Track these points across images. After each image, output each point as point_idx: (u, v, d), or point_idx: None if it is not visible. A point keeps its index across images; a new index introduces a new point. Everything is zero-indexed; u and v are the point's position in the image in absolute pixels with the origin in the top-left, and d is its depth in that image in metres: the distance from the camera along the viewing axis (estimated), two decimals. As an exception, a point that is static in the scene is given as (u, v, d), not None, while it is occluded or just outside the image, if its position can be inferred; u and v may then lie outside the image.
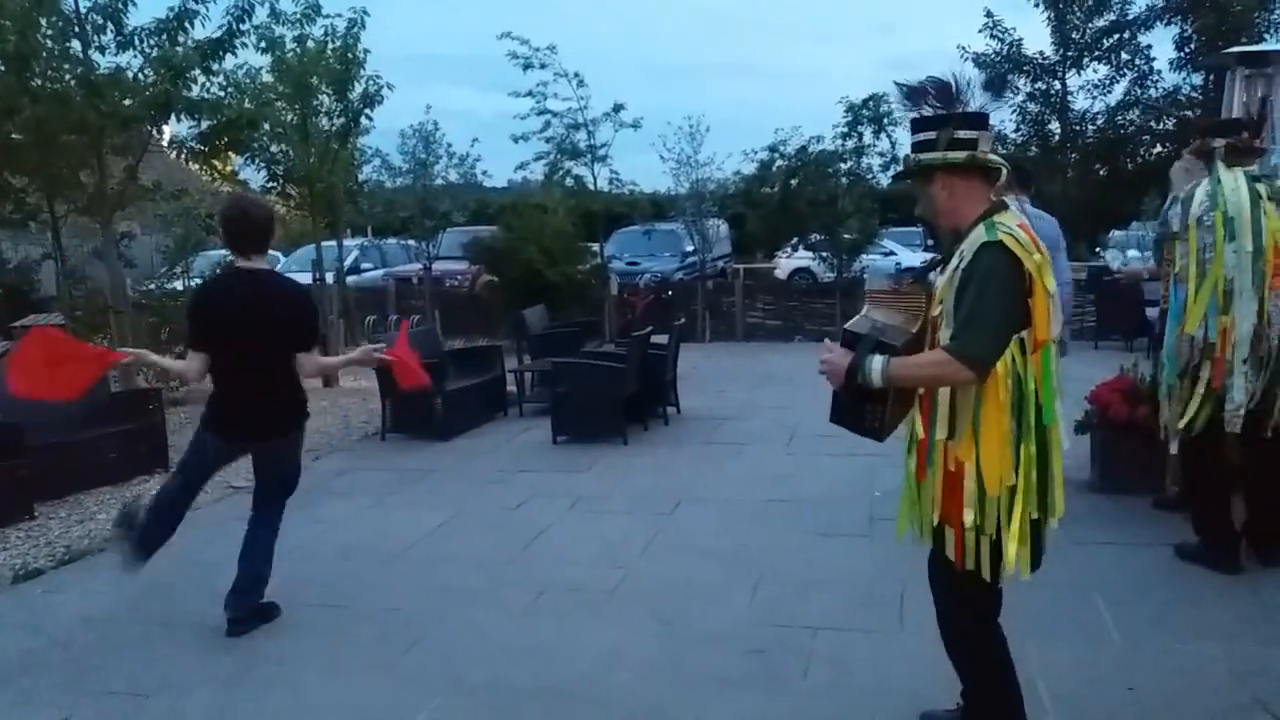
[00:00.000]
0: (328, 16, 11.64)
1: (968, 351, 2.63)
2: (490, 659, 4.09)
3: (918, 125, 2.88)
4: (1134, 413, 5.85)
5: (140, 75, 8.75)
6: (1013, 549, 2.75)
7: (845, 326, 2.93)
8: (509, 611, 4.60)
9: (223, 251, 13.13)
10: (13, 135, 8.44)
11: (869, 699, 3.60)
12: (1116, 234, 23.08)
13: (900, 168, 3.16)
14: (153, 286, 11.62)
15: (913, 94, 2.88)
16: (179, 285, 11.67)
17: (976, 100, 2.83)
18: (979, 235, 2.71)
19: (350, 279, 16.85)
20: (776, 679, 3.80)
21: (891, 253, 10.44)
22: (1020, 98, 21.06)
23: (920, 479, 2.95)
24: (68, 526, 6.24)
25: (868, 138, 14.61)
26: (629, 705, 3.65)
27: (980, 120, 2.82)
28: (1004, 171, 2.84)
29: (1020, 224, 2.75)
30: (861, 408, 2.90)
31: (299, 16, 11.37)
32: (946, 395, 2.80)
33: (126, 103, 8.44)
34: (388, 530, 5.96)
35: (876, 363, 2.75)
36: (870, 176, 14.96)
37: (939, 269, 2.92)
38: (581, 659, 4.04)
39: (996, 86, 2.86)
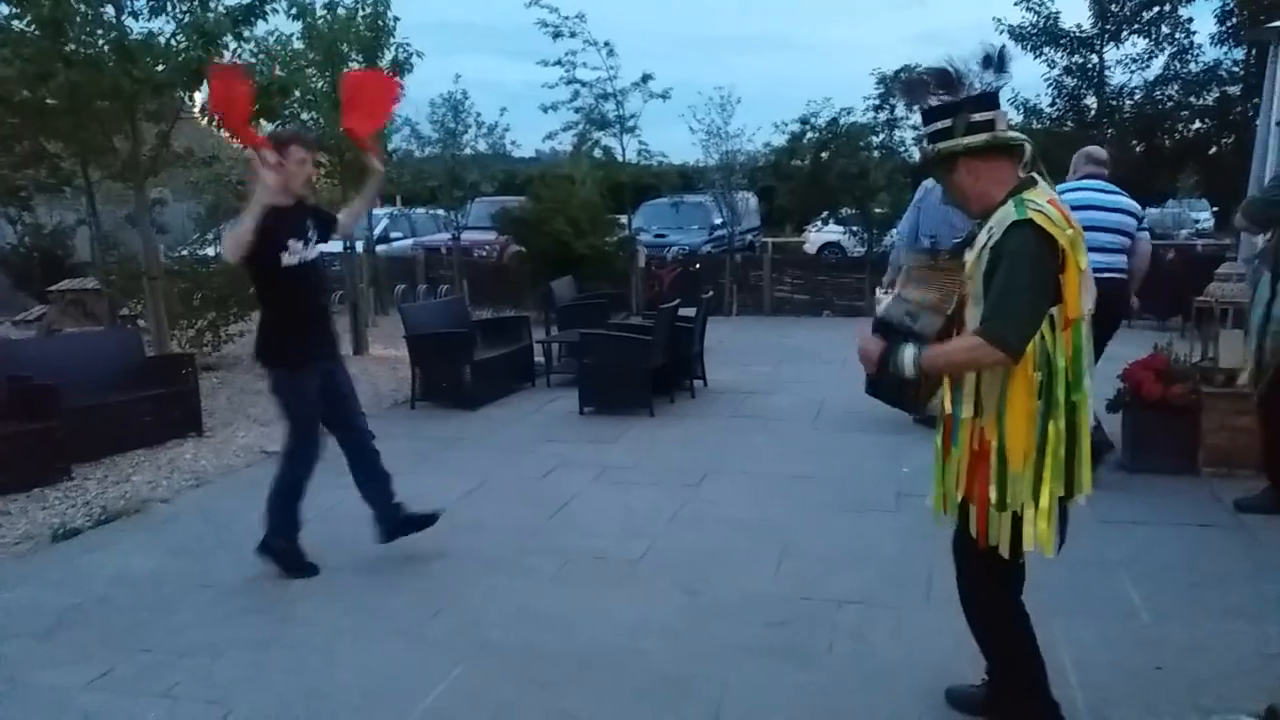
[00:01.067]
0: (358, -16, 11.63)
1: (1000, 334, 2.61)
2: (516, 625, 4.13)
3: (930, 115, 2.83)
4: (1167, 391, 5.80)
5: (173, 41, 8.78)
6: (1040, 526, 2.74)
7: (878, 314, 2.92)
8: (535, 579, 4.65)
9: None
10: (47, 100, 8.49)
11: (893, 673, 3.61)
12: (1153, 211, 22.75)
13: (918, 160, 3.14)
14: (185, 253, 11.74)
15: (911, 89, 2.85)
16: (210, 252, 11.75)
17: (980, 81, 2.77)
18: (1008, 213, 2.67)
19: (380, 248, 16.95)
20: (800, 651, 3.82)
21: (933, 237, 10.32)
22: (1057, 71, 20.73)
23: (946, 455, 2.94)
24: (104, 488, 6.34)
25: (900, 110, 14.47)
26: (653, 673, 3.68)
27: (993, 100, 2.78)
28: (1026, 147, 2.78)
29: (1051, 199, 2.70)
30: (899, 387, 2.89)
31: (330, -17, 11.37)
32: (974, 374, 2.78)
33: (159, 68, 8.47)
34: (416, 497, 5.97)
35: (909, 354, 2.75)
36: (903, 150, 14.85)
37: (970, 245, 2.89)
38: (606, 627, 4.08)
39: (997, 61, 2.80)
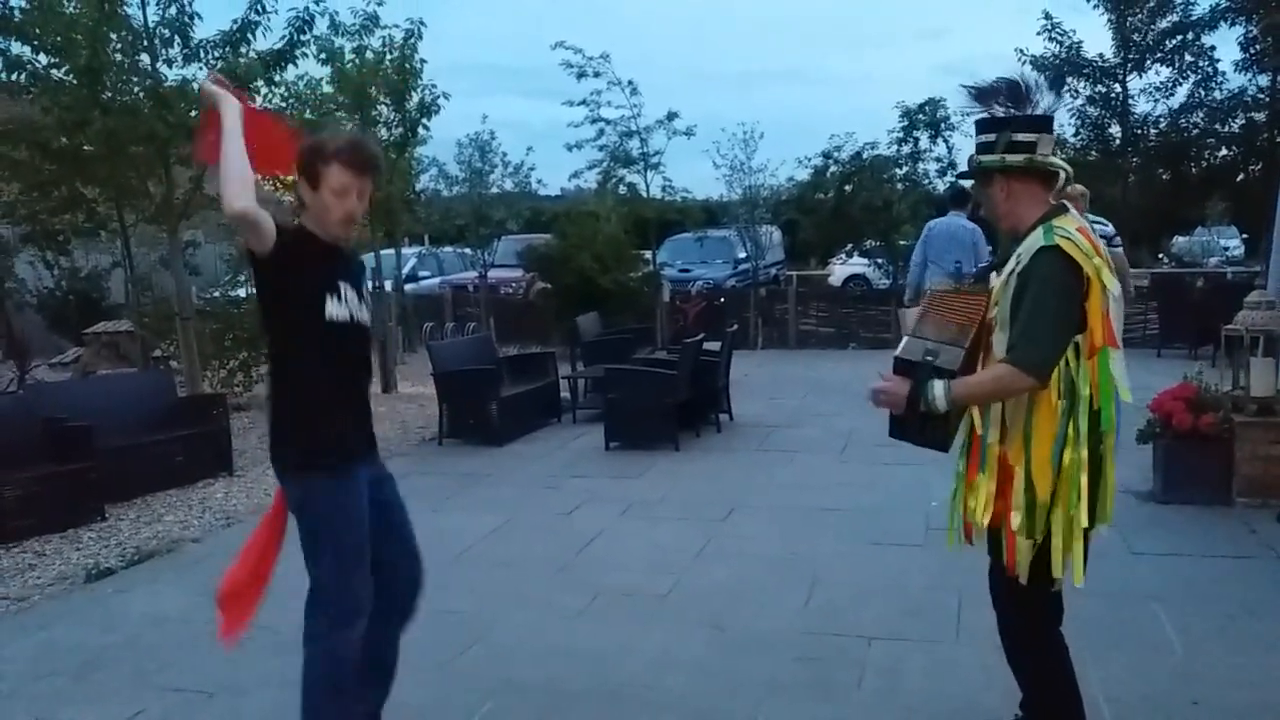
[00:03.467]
0: (385, 27, 11.85)
1: (1026, 361, 2.62)
2: (544, 661, 4.13)
3: (980, 127, 2.88)
4: (1198, 421, 5.74)
5: (206, 87, 8.98)
6: (1060, 556, 2.72)
7: (896, 354, 2.91)
8: (563, 614, 4.64)
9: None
10: (84, 147, 8.71)
11: (925, 709, 3.57)
12: (1180, 240, 22.59)
13: (959, 170, 3.18)
14: (216, 294, 11.92)
15: (982, 94, 2.87)
16: (241, 293, 11.94)
17: (1045, 100, 2.81)
18: (1036, 239, 2.69)
19: (408, 287, 17.13)
20: (830, 687, 3.79)
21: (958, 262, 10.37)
22: (1080, 101, 20.72)
23: (971, 479, 2.93)
24: (137, 528, 6.42)
25: (924, 143, 14.49)
26: (682, 709, 3.66)
27: (1041, 123, 2.80)
28: (1062, 175, 2.81)
29: (1080, 228, 2.72)
30: (924, 425, 2.88)
31: (358, 27, 11.59)
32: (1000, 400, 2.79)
33: (193, 114, 8.65)
34: (445, 533, 6.03)
35: (939, 389, 2.74)
36: (926, 182, 14.84)
37: (998, 270, 2.90)
38: (635, 662, 4.07)
39: (1057, 85, 2.86)
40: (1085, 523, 2.72)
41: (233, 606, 3.21)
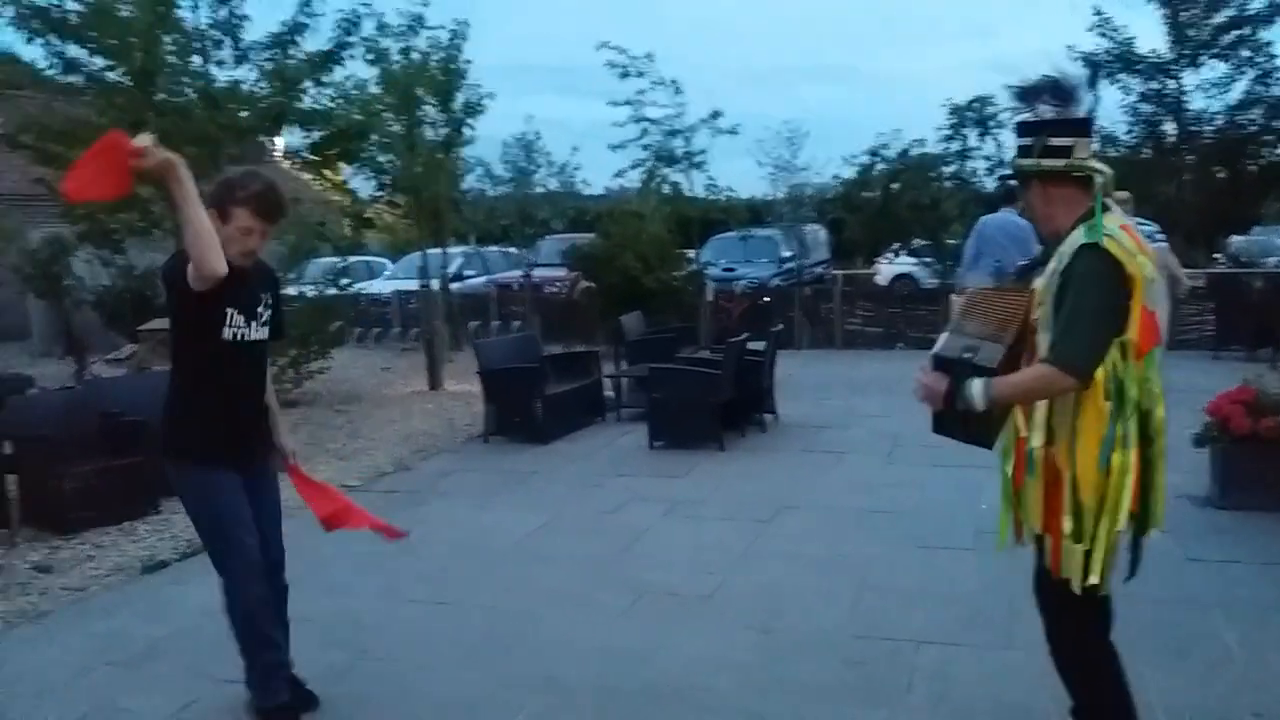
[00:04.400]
0: (431, 28, 11.98)
1: (1067, 360, 2.58)
2: (589, 660, 4.14)
3: (1019, 130, 2.86)
4: (1257, 425, 5.60)
5: (255, 88, 9.12)
6: (1095, 558, 2.67)
7: (934, 351, 2.88)
8: (607, 613, 4.65)
9: (334, 259, 13.65)
10: (140, 148, 8.88)
11: (974, 714, 3.52)
12: (1237, 239, 22.08)
13: (1007, 171, 3.14)
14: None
15: (1026, 94, 2.83)
16: (292, 291, 12.09)
17: (1085, 99, 2.77)
18: (1078, 237, 2.65)
19: (454, 286, 17.27)
20: (878, 691, 3.75)
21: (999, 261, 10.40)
22: (1133, 98, 20.33)
23: (1018, 484, 2.89)
24: (189, 521, 6.50)
25: (972, 140, 14.31)
26: (727, 711, 3.65)
27: (1077, 127, 2.75)
28: (1097, 179, 2.73)
29: (1124, 225, 2.67)
30: (966, 422, 2.84)
31: (404, 29, 11.74)
32: (1045, 401, 2.74)
33: (243, 114, 8.82)
34: (490, 530, 6.08)
35: (977, 387, 2.70)
36: (975, 180, 14.66)
37: (1040, 270, 2.86)
38: (679, 663, 4.06)
39: (1093, 83, 2.83)
40: (1121, 525, 2.66)
41: (343, 520, 3.89)
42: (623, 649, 4.23)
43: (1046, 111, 2.78)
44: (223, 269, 3.14)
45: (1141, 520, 2.74)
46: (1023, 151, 2.82)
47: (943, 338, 2.91)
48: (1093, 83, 2.84)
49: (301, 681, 3.80)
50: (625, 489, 6.91)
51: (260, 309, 3.60)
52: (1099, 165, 2.74)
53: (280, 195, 3.56)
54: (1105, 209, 2.72)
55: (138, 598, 5.15)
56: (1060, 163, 2.73)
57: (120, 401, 7.24)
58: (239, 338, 3.51)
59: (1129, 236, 2.64)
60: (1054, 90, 2.78)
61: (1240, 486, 5.70)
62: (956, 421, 2.85)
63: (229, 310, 3.46)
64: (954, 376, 2.75)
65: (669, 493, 6.75)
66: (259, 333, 3.61)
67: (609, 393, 9.86)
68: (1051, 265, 2.72)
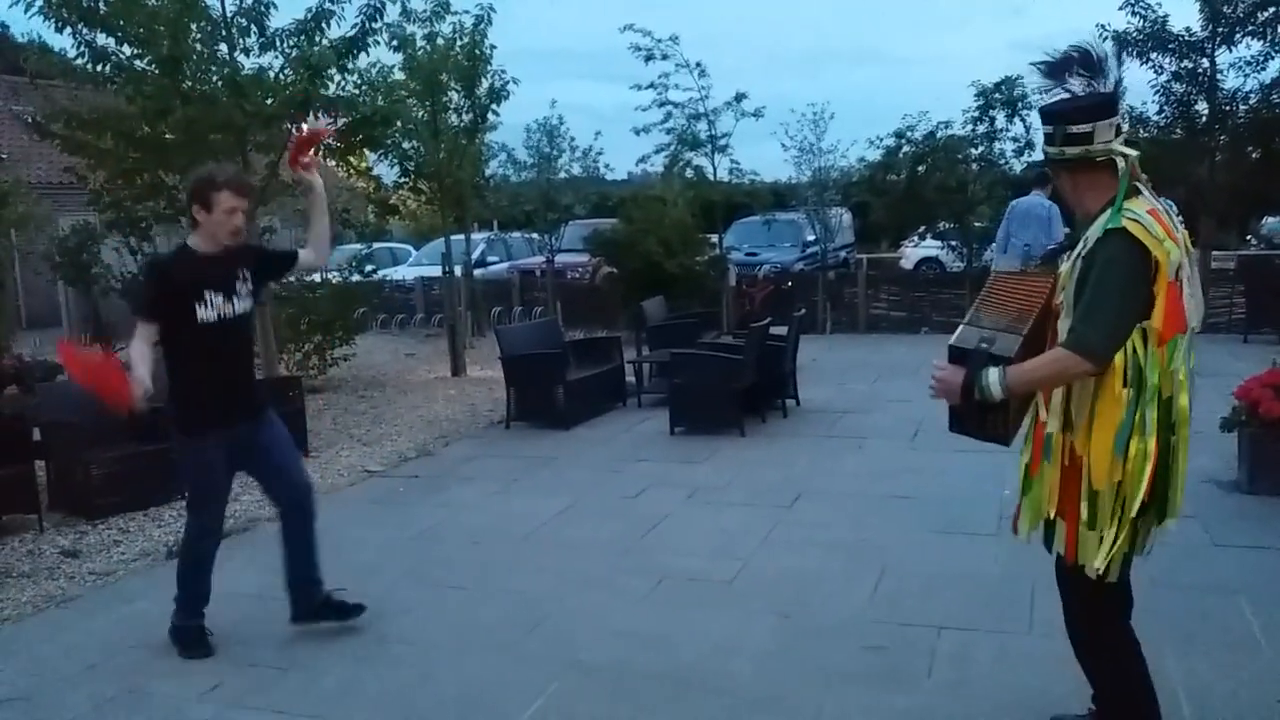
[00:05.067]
0: (456, 14, 11.94)
1: (1084, 344, 2.56)
2: (610, 643, 4.15)
3: (1041, 118, 2.83)
4: (1287, 410, 5.52)
5: (281, 75, 9.14)
6: (1107, 547, 2.64)
7: (951, 343, 2.85)
8: (629, 598, 4.66)
9: (358, 245, 13.71)
10: (166, 135, 8.94)
11: (995, 700, 3.50)
12: (1270, 220, 21.73)
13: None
14: (293, 279, 12.16)
15: (1054, 70, 2.78)
16: (317, 278, 12.17)
17: (1116, 73, 2.73)
18: (1103, 221, 2.62)
19: (477, 272, 17.32)
20: (899, 676, 3.74)
21: (1027, 245, 10.49)
22: (1165, 77, 20.01)
23: (1034, 471, 2.86)
24: (215, 506, 6.59)
25: (1000, 122, 14.11)
26: (747, 694, 3.65)
27: (1097, 110, 2.69)
28: (1119, 162, 2.67)
29: (1151, 209, 2.62)
30: (983, 417, 2.82)
31: (429, 14, 11.70)
32: (1063, 387, 2.71)
33: (269, 102, 8.82)
34: (512, 515, 6.11)
35: (994, 376, 2.67)
36: (1003, 162, 14.46)
37: (1068, 254, 2.82)
38: (700, 647, 4.07)
39: (1120, 58, 2.78)
40: (1133, 512, 2.63)
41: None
42: (644, 633, 4.25)
43: (1076, 85, 2.74)
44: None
45: (1158, 509, 2.70)
46: (1047, 139, 2.78)
47: (959, 329, 2.89)
48: (1119, 59, 2.79)
49: (343, 598, 4.40)
50: (646, 474, 6.91)
51: (238, 284, 4.08)
52: (1122, 148, 2.69)
53: (249, 178, 4.32)
54: (1135, 191, 2.68)
55: (164, 582, 5.17)
56: (1079, 150, 2.69)
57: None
58: (221, 316, 4.01)
59: (1155, 221, 2.59)
60: (1083, 62, 2.73)
61: (1269, 472, 5.63)
62: (973, 417, 2.83)
63: (206, 293, 3.96)
64: (970, 368, 2.73)
65: (690, 478, 6.75)
66: (242, 306, 4.11)
67: (630, 378, 9.86)
68: (1077, 249, 2.69)
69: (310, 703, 3.76)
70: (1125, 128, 2.80)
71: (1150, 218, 2.59)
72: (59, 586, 5.20)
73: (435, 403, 10.18)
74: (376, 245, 17.23)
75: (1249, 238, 20.20)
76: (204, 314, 3.97)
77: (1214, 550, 4.81)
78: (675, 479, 6.74)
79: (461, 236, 15.17)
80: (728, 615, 4.40)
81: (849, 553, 5.13)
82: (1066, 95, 2.75)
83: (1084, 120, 2.68)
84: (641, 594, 4.70)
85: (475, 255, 17.51)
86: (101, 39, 8.68)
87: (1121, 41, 18.72)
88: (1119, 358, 2.57)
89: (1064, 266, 2.77)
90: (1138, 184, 2.69)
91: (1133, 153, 2.69)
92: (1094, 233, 2.63)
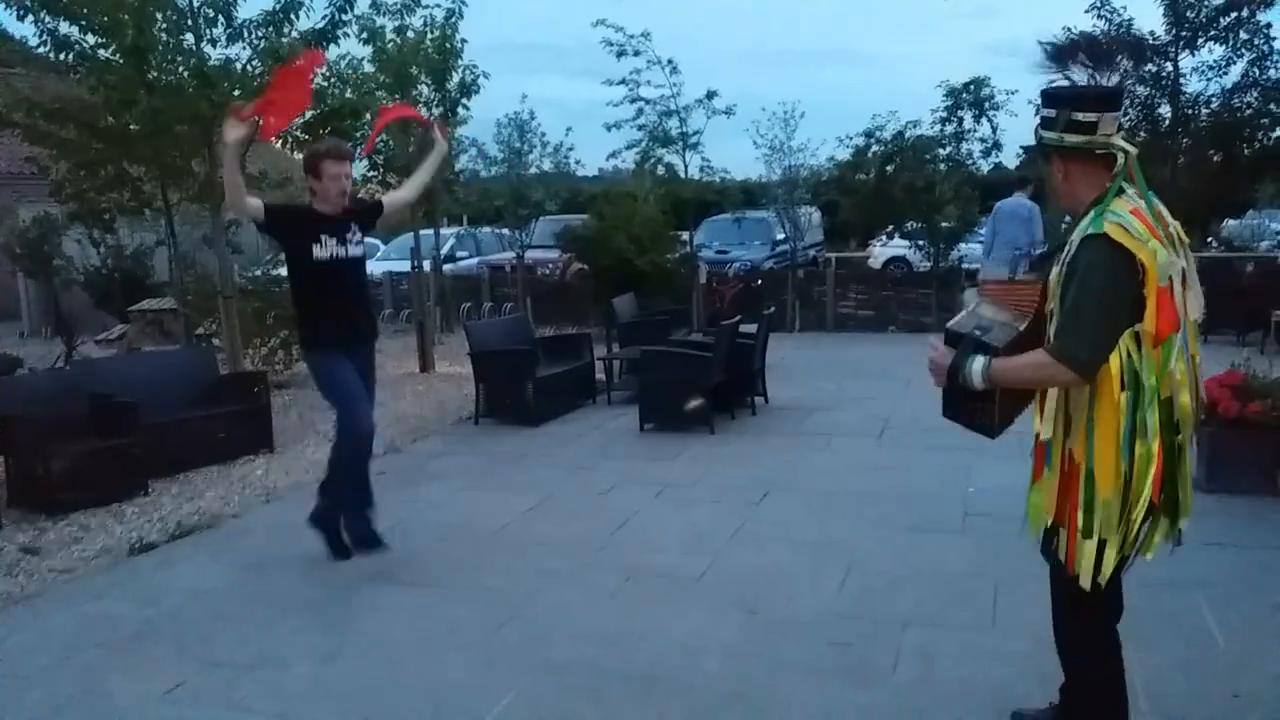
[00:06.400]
0: (426, 7, 11.88)
1: (1069, 353, 2.54)
2: (578, 640, 4.15)
3: (1045, 100, 2.75)
4: (1245, 409, 5.63)
5: (248, 66, 9.04)
6: (1109, 555, 2.65)
7: (948, 325, 2.87)
8: (597, 594, 4.66)
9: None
10: (130, 126, 8.81)
11: (958, 695, 3.54)
12: (1231, 223, 22.08)
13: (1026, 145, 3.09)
14: (258, 273, 12.07)
15: (1060, 53, 2.76)
16: (283, 272, 12.05)
17: (1124, 64, 2.71)
18: (1085, 225, 2.59)
19: (446, 267, 17.22)
20: (864, 671, 3.77)
21: (1017, 250, 11.00)
22: (1129, 80, 20.28)
23: (1036, 478, 2.85)
24: (179, 503, 6.52)
25: (968, 122, 14.23)
26: (715, 690, 3.67)
27: (1106, 101, 2.68)
28: (1118, 157, 2.67)
29: (1133, 209, 2.59)
30: (970, 404, 2.84)
31: (399, 7, 11.62)
32: (1058, 394, 2.71)
33: (236, 93, 8.73)
34: (480, 512, 6.08)
35: (977, 364, 2.69)
36: (970, 162, 14.59)
37: (1055, 259, 2.82)
38: (668, 644, 4.08)
39: (1138, 55, 2.77)
40: (1139, 518, 2.64)
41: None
42: (612, 630, 4.25)
43: (1078, 74, 2.71)
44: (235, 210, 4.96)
45: (1171, 510, 2.71)
46: (1046, 123, 2.71)
47: (960, 315, 2.91)
48: (1138, 55, 2.77)
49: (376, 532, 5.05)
50: (616, 471, 6.91)
51: (349, 235, 4.89)
52: (1124, 144, 2.67)
53: (346, 145, 5.60)
54: (1121, 191, 2.65)
55: (126, 579, 5.15)
56: (1082, 139, 2.65)
57: (110, 382, 7.23)
58: (334, 256, 4.83)
59: (1139, 221, 2.56)
60: (1089, 50, 2.71)
61: (1227, 470, 5.73)
62: (962, 404, 2.85)
63: (322, 236, 4.79)
64: (957, 353, 2.74)
65: (659, 475, 6.76)
66: (353, 251, 4.94)
67: (600, 375, 9.86)
68: (1063, 253, 2.67)
69: (276, 702, 3.73)
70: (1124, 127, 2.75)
71: (1133, 218, 2.56)
72: (18, 584, 5.11)
73: (403, 399, 10.12)
74: (344, 239, 17.07)
75: (1210, 240, 20.51)
76: (319, 253, 4.77)
77: (1171, 547, 4.87)
78: (645, 476, 6.75)
79: (430, 231, 15.07)
80: (696, 612, 4.41)
81: (816, 549, 5.16)
82: (1068, 83, 2.73)
83: (1092, 109, 2.64)
84: (610, 591, 4.71)
85: (444, 250, 17.41)
86: (65, 27, 8.55)
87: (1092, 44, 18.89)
88: (1114, 362, 2.54)
89: (1052, 272, 2.76)
90: (1124, 183, 2.66)
91: (1133, 150, 2.68)
92: (1077, 237, 2.60)
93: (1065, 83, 2.72)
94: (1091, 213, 2.61)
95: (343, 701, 3.71)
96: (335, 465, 5.06)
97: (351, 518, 5.04)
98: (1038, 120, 2.79)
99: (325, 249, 4.80)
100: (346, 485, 5.01)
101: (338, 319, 4.92)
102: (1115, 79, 2.90)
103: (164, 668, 4.03)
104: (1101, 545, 2.66)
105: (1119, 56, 2.97)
